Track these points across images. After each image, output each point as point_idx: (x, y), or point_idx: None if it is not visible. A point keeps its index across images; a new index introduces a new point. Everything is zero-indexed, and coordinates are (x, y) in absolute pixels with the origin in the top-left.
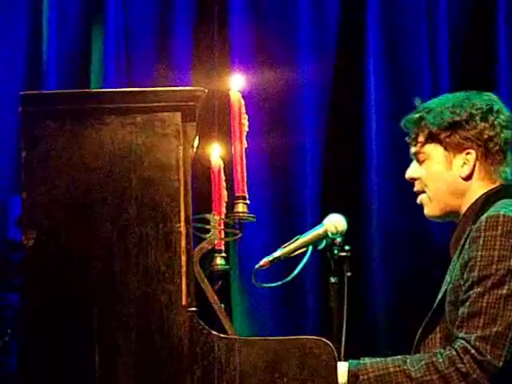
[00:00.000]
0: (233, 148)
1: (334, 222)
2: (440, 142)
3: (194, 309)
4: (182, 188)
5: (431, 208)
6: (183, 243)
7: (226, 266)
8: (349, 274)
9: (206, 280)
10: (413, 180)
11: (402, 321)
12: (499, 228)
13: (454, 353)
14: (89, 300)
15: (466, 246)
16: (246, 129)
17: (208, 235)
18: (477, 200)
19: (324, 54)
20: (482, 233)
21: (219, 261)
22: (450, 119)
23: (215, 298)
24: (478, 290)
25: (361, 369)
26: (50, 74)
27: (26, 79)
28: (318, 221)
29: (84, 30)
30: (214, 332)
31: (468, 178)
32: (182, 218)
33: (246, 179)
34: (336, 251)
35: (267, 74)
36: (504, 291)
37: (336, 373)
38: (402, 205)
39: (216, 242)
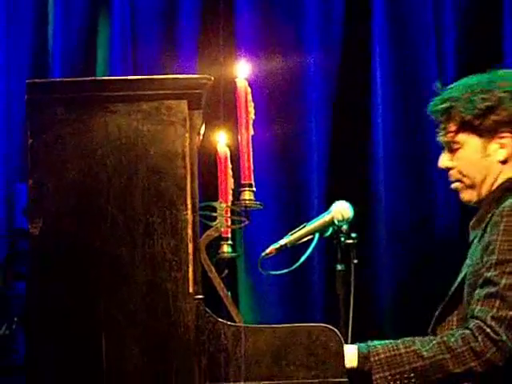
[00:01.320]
0: (239, 136)
1: (341, 210)
2: (473, 129)
3: (200, 296)
4: (188, 176)
5: (470, 194)
6: (190, 231)
7: (233, 254)
8: (355, 261)
9: (212, 268)
10: (446, 169)
11: (408, 307)
12: None
13: (468, 332)
14: (95, 288)
15: (488, 230)
16: (253, 116)
17: (214, 223)
18: (501, 185)
19: (330, 42)
20: (503, 218)
21: (226, 248)
22: (481, 105)
23: (222, 285)
24: (496, 272)
25: (371, 351)
26: (56, 63)
27: (32, 68)
28: (325, 208)
29: (90, 19)
30: (220, 320)
31: (505, 161)
32: (189, 206)
33: (252, 167)
34: (342, 238)
35: (274, 61)
36: None
37: (343, 360)
38: (409, 192)
39: (222, 229)
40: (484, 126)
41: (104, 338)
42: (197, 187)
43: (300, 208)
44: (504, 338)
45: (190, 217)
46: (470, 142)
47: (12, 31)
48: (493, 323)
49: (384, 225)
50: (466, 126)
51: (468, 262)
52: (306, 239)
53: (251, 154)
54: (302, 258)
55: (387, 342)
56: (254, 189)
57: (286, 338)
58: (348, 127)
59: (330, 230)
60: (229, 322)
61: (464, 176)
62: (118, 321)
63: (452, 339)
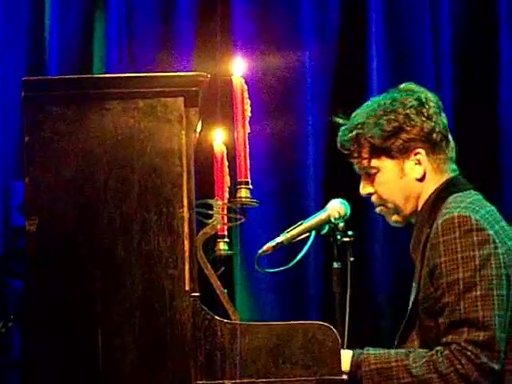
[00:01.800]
0: (235, 133)
1: (337, 207)
2: (386, 152)
3: (197, 294)
4: (184, 173)
5: (395, 217)
6: (186, 228)
7: (229, 252)
8: (352, 259)
9: (209, 265)
10: (369, 196)
11: (405, 305)
12: (456, 230)
13: (451, 354)
14: (92, 285)
15: (428, 253)
16: (249, 114)
17: (211, 220)
18: (428, 198)
19: (327, 39)
20: (440, 238)
21: (222, 246)
22: (388, 127)
23: (218, 283)
24: (452, 297)
25: (364, 359)
26: (53, 60)
27: (28, 65)
28: (321, 206)
29: (86, 15)
30: (217, 317)
31: (423, 177)
32: (185, 204)
33: (248, 164)
34: (339, 236)
35: (270, 58)
36: (478, 292)
37: (340, 357)
38: None
39: (219, 227)
40: (395, 146)
41: (100, 335)
42: (193, 185)
43: (296, 206)
44: (485, 360)
45: (186, 214)
46: (385, 166)
47: (9, 29)
48: (469, 347)
49: (380, 222)
50: (377, 151)
51: (415, 285)
52: (302, 237)
53: (247, 151)
54: (299, 256)
55: (381, 351)
56: (251, 186)
57: (282, 336)
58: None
59: (327, 227)
60: (225, 320)
61: (385, 200)
62: (115, 318)
63: (440, 359)
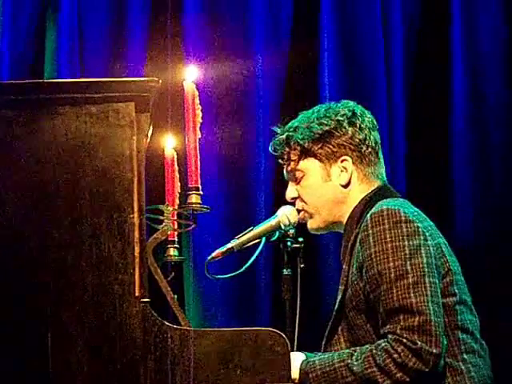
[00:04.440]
0: (186, 139)
1: (287, 214)
2: (314, 155)
3: (147, 300)
4: (135, 178)
5: (313, 222)
6: (136, 234)
7: (180, 257)
8: (302, 265)
9: (159, 271)
10: (293, 200)
11: None
12: (385, 222)
13: (388, 345)
14: (42, 290)
15: (358, 248)
16: (200, 120)
17: (161, 226)
18: (358, 205)
19: (278, 45)
20: (369, 230)
21: (172, 252)
22: (319, 130)
23: (168, 288)
24: (384, 286)
25: (310, 366)
26: (4, 65)
27: None
28: (272, 212)
29: (38, 19)
30: (167, 323)
31: (347, 184)
32: (136, 209)
33: (199, 170)
34: (289, 243)
35: (221, 65)
36: (410, 280)
37: (289, 364)
38: None
39: (169, 232)
40: (324, 150)
41: (50, 338)
42: (144, 190)
43: (247, 212)
44: (421, 344)
45: (136, 220)
46: (312, 169)
47: None
48: (405, 334)
49: None
50: (306, 153)
51: (341, 287)
52: (252, 243)
53: (198, 157)
54: (249, 262)
55: (326, 355)
56: (201, 192)
57: (232, 342)
58: None
59: (277, 234)
60: (175, 326)
61: (307, 204)
62: (65, 322)
63: (379, 352)
